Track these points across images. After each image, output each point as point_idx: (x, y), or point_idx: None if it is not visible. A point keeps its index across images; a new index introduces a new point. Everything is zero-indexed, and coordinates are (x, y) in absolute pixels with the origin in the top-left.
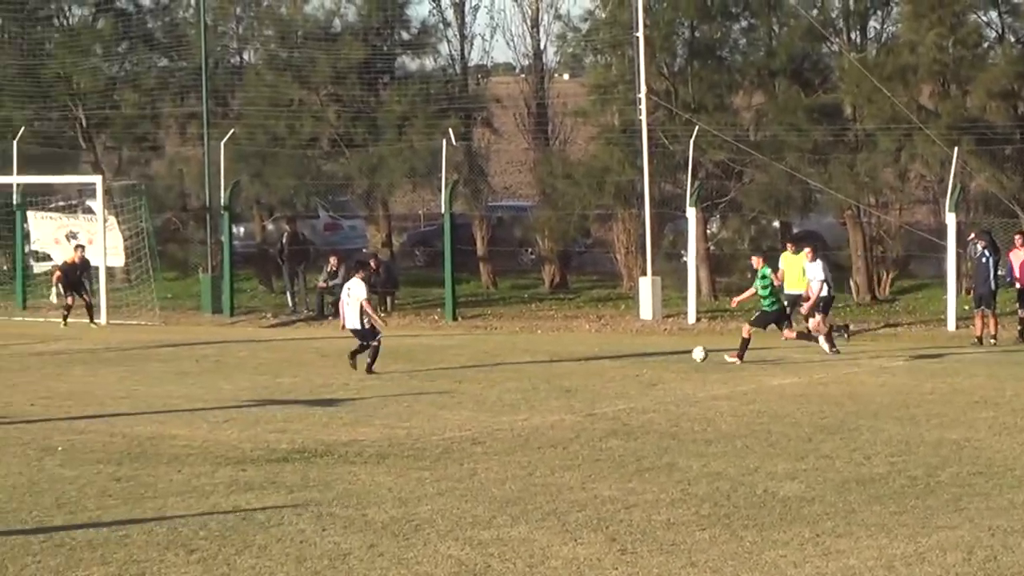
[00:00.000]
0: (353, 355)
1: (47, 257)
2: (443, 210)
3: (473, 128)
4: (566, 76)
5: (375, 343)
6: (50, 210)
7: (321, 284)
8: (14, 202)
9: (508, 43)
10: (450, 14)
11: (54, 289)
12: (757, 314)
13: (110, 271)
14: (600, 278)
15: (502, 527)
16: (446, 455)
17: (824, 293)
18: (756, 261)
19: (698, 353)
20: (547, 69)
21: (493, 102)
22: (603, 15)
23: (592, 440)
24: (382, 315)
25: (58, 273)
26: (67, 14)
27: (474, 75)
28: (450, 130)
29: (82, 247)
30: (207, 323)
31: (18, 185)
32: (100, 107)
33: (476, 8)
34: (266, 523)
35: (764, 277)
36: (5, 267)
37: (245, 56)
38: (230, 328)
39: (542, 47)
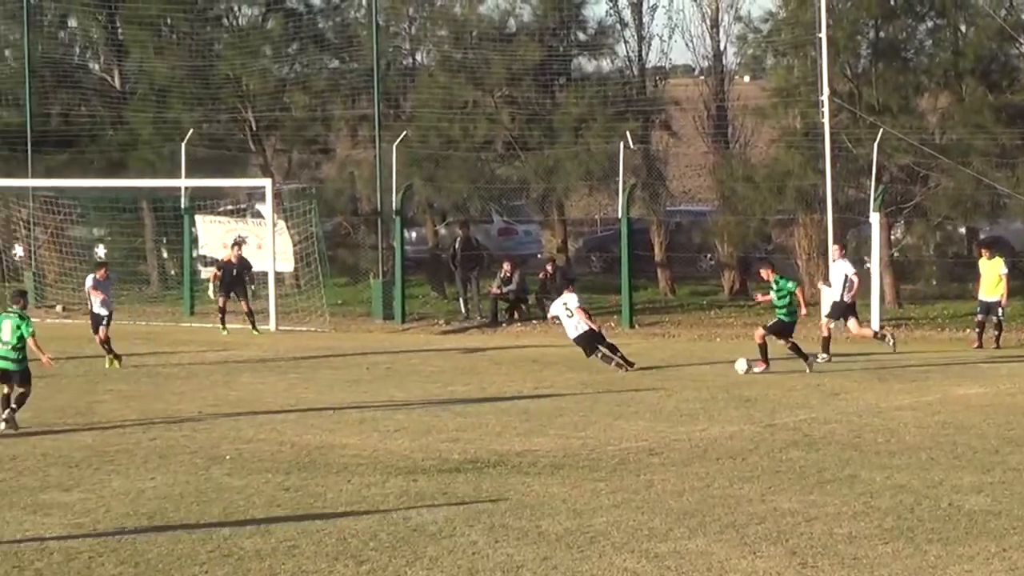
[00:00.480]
0: (609, 360)
1: (215, 262)
2: (620, 215)
3: (651, 131)
4: (746, 78)
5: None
6: (218, 214)
7: (495, 290)
8: (182, 206)
9: (687, 44)
10: (627, 14)
11: (211, 285)
12: (773, 321)
13: (279, 276)
14: None
15: (679, 540)
16: (622, 466)
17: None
18: (765, 273)
19: (740, 365)
20: (727, 71)
21: (672, 104)
22: (784, 15)
23: (772, 451)
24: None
25: (216, 272)
26: (236, 14)
27: (652, 77)
28: (627, 133)
29: (238, 246)
30: (378, 330)
31: (186, 188)
32: (270, 109)
33: (654, 8)
34: (437, 534)
35: (781, 289)
36: (173, 272)
37: (418, 57)
38: (401, 335)
39: (722, 48)
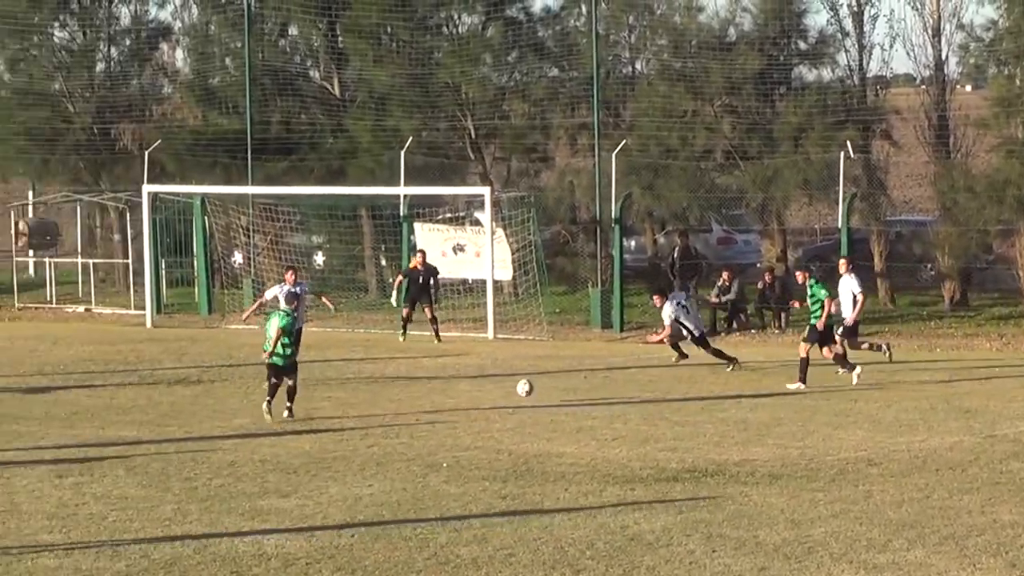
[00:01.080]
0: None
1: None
2: (840, 224)
3: (871, 140)
4: (968, 87)
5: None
6: (437, 222)
7: (713, 299)
8: (401, 213)
9: (908, 53)
10: (848, 23)
11: (394, 292)
12: (808, 328)
13: (497, 284)
14: (1002, 296)
15: (898, 551)
16: (841, 476)
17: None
18: (800, 276)
19: (521, 388)
20: (949, 80)
21: (892, 114)
22: (1007, 24)
23: (992, 462)
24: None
25: (400, 278)
26: (456, 23)
27: (872, 86)
28: (847, 142)
29: (423, 252)
30: (596, 338)
31: (405, 196)
32: (489, 117)
33: (875, 17)
34: (654, 544)
35: (814, 295)
36: (391, 279)
37: (637, 66)
38: (619, 344)
39: (943, 57)
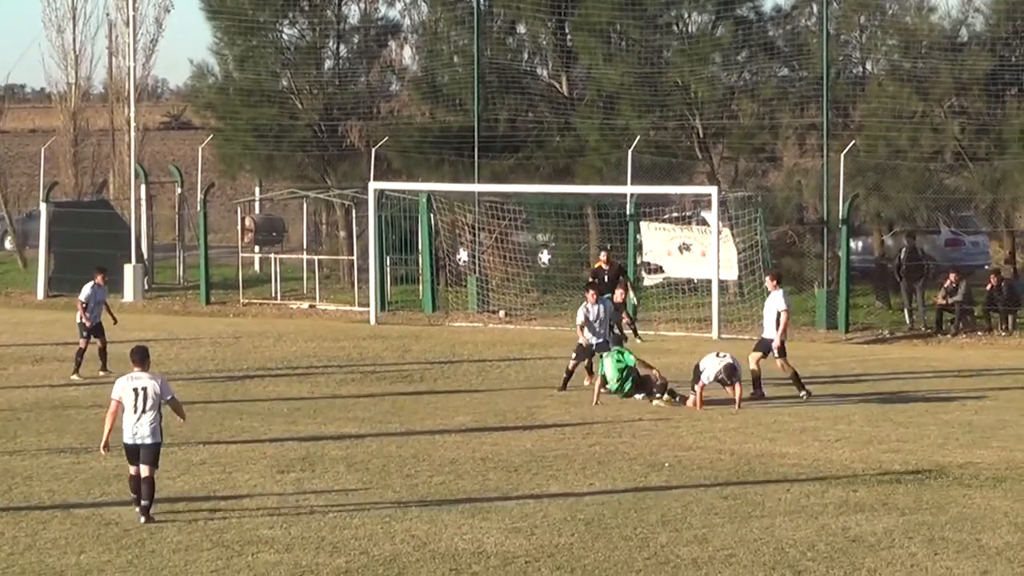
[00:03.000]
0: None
1: (659, 269)
2: None
3: None
4: None
5: None
6: (663, 221)
7: (940, 300)
8: (627, 212)
9: None
10: None
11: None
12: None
13: (723, 284)
14: None
15: None
16: None
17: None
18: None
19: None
20: None
21: None
22: None
23: None
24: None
25: (590, 280)
26: (686, 21)
27: None
28: None
29: (608, 251)
30: (821, 339)
31: (632, 195)
32: (717, 116)
33: None
34: (876, 546)
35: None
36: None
37: (867, 66)
38: (845, 345)
39: None
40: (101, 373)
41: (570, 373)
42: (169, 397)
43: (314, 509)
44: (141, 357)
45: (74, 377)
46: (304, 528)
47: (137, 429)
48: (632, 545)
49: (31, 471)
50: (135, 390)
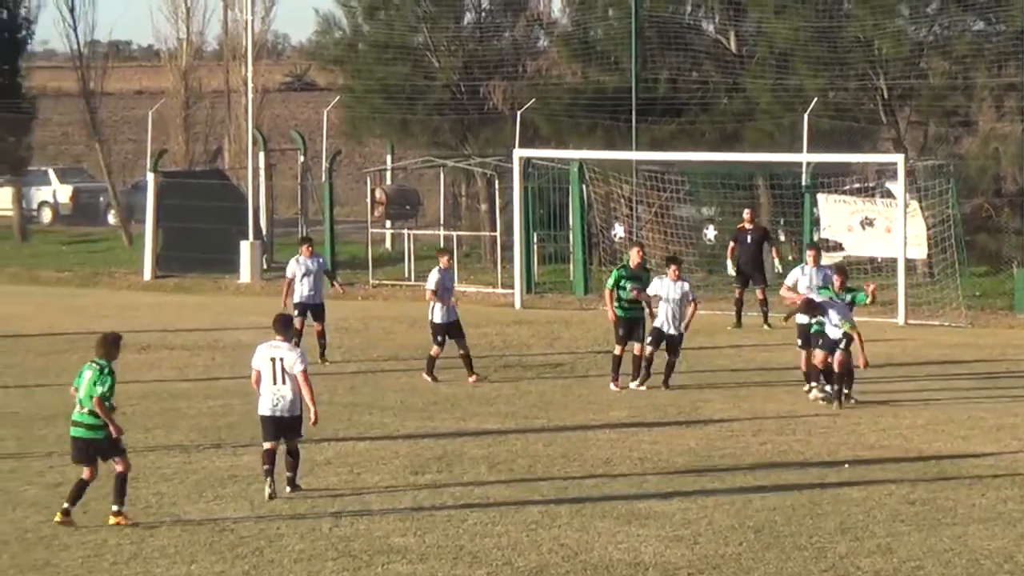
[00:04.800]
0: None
1: (839, 247)
2: None
3: None
4: None
5: None
6: (844, 193)
7: None
8: (803, 183)
9: None
10: None
11: (729, 262)
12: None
13: (910, 264)
14: None
15: None
16: None
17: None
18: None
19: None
20: None
21: None
22: None
23: None
24: None
25: (732, 244)
26: None
27: None
28: None
29: (751, 209)
30: (1020, 326)
31: (808, 164)
32: (904, 76)
33: None
34: None
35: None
36: (790, 257)
37: None
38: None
39: None
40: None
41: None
42: (301, 368)
43: (452, 515)
44: (284, 326)
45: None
46: (440, 536)
47: (278, 400)
48: (807, 556)
49: (137, 471)
50: (272, 359)
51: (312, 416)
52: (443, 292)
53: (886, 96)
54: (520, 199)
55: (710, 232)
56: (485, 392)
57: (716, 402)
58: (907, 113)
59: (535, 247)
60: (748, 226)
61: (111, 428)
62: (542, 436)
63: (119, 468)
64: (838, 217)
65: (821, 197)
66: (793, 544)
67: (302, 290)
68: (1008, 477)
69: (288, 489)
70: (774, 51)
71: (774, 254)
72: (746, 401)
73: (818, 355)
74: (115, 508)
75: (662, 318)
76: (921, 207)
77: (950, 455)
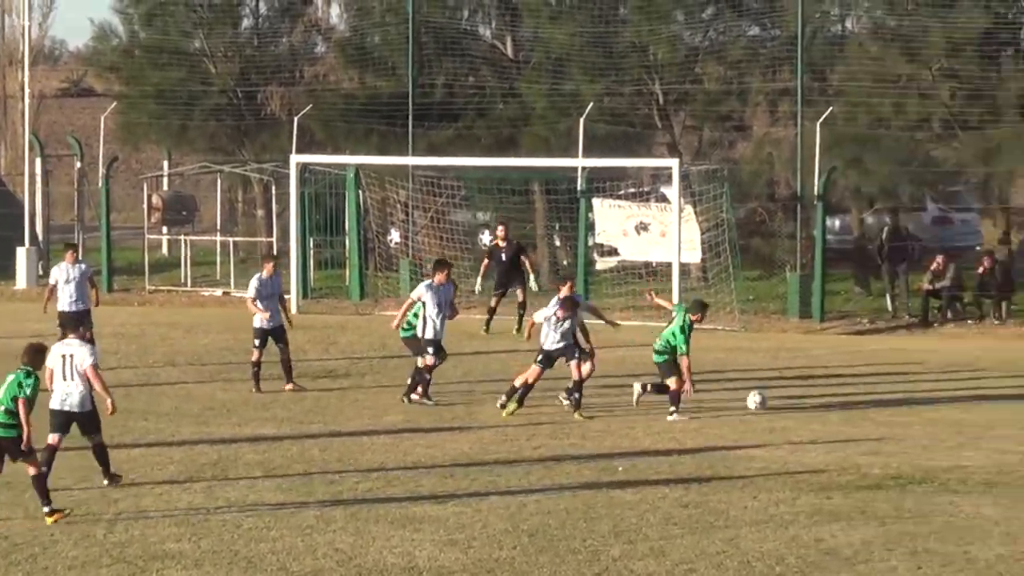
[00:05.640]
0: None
1: (613, 252)
2: None
3: None
4: None
5: None
6: (619, 198)
7: (926, 286)
8: (578, 188)
9: None
10: None
11: (478, 279)
12: None
13: (684, 268)
14: None
15: None
16: None
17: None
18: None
19: (752, 400)
20: None
21: None
22: None
23: None
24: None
25: (486, 261)
26: None
27: None
28: None
29: (504, 226)
30: (793, 329)
31: (583, 169)
32: (679, 81)
33: None
34: (852, 559)
35: None
36: (565, 261)
37: (847, 24)
38: (819, 335)
39: None
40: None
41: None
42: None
43: (227, 520)
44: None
45: None
46: (216, 542)
47: (66, 396)
48: (581, 559)
49: None
50: (63, 356)
51: (109, 407)
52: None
53: (661, 101)
54: (297, 205)
55: (486, 237)
56: (261, 398)
57: (491, 407)
58: (682, 118)
59: (311, 252)
60: (502, 244)
61: (25, 430)
62: (318, 441)
63: (31, 471)
64: (613, 222)
65: (596, 202)
66: (567, 547)
67: (64, 297)
68: (779, 479)
69: (106, 483)
70: (550, 56)
71: (528, 268)
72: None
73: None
74: (45, 509)
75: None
76: (695, 211)
77: (722, 458)
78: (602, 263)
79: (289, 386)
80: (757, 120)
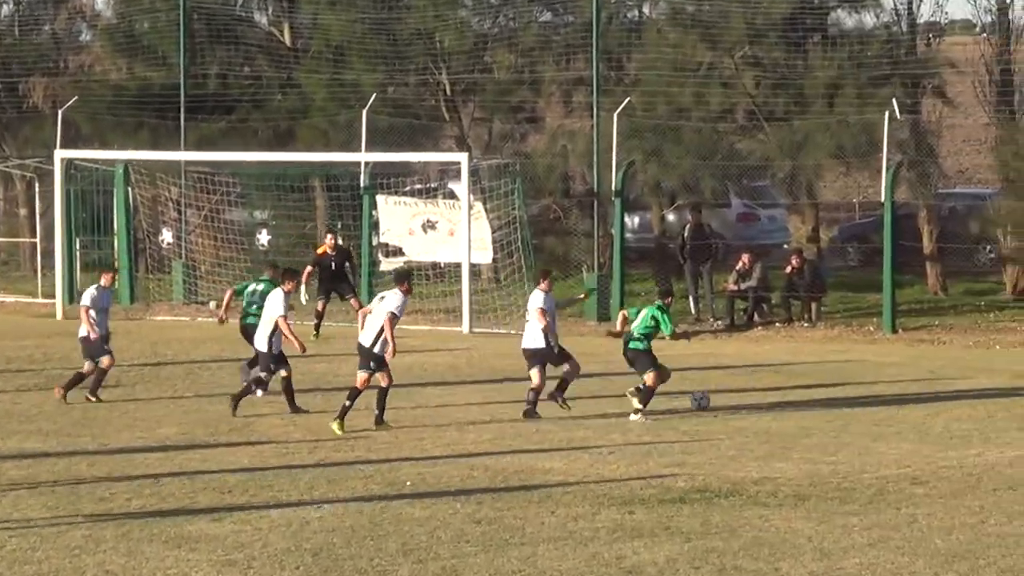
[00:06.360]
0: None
1: (399, 252)
2: (883, 198)
3: (921, 99)
4: None
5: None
6: (404, 195)
7: (731, 286)
8: (361, 184)
9: None
10: None
11: (303, 288)
12: None
13: (474, 269)
14: None
15: None
16: (879, 497)
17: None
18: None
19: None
20: (1015, 27)
21: (947, 67)
22: None
23: None
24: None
25: (309, 269)
26: None
27: (924, 34)
28: (894, 101)
29: (333, 233)
30: (592, 333)
31: (366, 164)
32: (467, 71)
33: None
34: None
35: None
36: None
37: (645, 10)
38: (618, 340)
39: (1008, 1)
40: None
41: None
42: None
43: None
44: None
45: None
46: None
47: None
48: None
49: None
50: None
51: None
52: None
53: (449, 91)
54: (61, 203)
55: (263, 237)
56: (24, 409)
57: (271, 418)
58: (471, 109)
59: (78, 254)
60: (331, 251)
61: None
62: (86, 457)
63: None
64: (399, 220)
65: (380, 199)
66: (353, 567)
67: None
68: (578, 493)
69: None
70: (330, 44)
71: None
72: (302, 417)
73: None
74: None
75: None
76: (486, 208)
77: (518, 471)
78: (387, 264)
79: (59, 392)
80: (551, 111)
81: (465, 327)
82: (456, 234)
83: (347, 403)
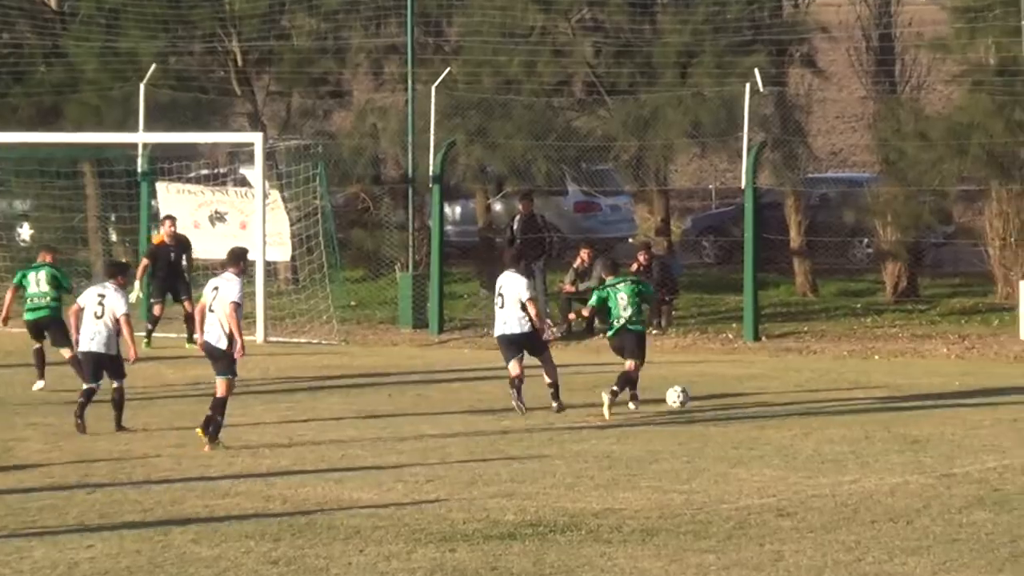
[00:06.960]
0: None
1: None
2: (744, 184)
3: (788, 69)
4: None
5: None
6: (189, 181)
7: (568, 287)
8: (139, 169)
9: None
10: None
11: (136, 284)
12: None
13: (270, 267)
14: (964, 281)
15: None
16: (740, 531)
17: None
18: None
19: (672, 396)
20: None
21: (817, 32)
22: None
23: (948, 512)
24: (654, 329)
25: (145, 262)
26: None
27: None
28: (756, 71)
29: (172, 219)
30: (405, 342)
31: (145, 146)
32: (262, 37)
33: None
34: None
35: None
36: (125, 259)
37: None
38: (438, 350)
39: None
40: None
41: None
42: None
43: None
44: None
45: None
46: None
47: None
48: None
49: None
50: None
51: None
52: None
53: (240, 62)
54: None
55: (24, 231)
56: None
57: (34, 441)
58: (266, 82)
59: None
60: (169, 241)
61: None
62: None
63: None
64: (183, 210)
65: (161, 186)
66: None
67: None
68: (391, 529)
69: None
70: (102, 8)
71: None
72: (70, 440)
73: None
74: None
75: None
76: (283, 197)
77: (321, 502)
78: None
79: None
80: (358, 84)
81: (259, 336)
82: (249, 227)
83: (219, 418)
